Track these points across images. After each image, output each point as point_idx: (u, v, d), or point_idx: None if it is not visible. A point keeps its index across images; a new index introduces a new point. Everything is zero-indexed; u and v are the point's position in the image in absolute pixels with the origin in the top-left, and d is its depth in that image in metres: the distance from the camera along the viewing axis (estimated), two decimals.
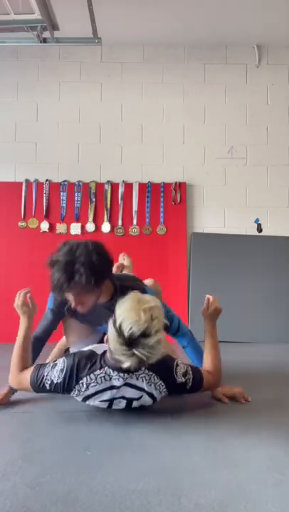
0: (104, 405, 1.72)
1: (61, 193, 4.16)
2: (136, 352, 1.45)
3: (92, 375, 1.66)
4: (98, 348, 1.75)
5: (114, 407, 1.73)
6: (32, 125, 4.25)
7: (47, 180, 4.17)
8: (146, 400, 1.72)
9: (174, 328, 2.02)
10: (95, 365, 1.68)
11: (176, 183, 4.17)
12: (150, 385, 1.68)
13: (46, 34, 3.17)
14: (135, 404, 1.73)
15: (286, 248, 4.17)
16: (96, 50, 4.26)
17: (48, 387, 1.71)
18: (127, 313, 1.49)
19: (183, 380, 1.75)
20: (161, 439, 1.57)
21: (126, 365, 1.50)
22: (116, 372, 1.63)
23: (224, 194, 4.23)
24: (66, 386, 1.69)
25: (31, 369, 1.80)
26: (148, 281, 2.39)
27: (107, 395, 1.68)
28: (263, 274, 4.09)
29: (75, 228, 4.11)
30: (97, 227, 4.12)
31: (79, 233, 4.10)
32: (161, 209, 4.16)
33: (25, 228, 4.11)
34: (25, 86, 4.27)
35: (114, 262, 1.88)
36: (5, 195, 4.14)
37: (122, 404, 1.72)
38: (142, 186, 4.19)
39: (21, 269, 4.05)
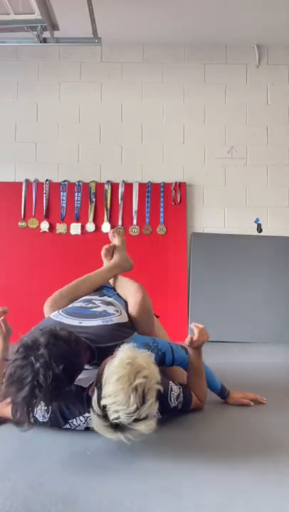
0: None
1: (61, 193, 4.16)
2: (121, 435, 1.32)
3: (81, 417, 1.58)
4: (84, 381, 1.60)
5: None
6: (32, 125, 4.25)
7: (47, 180, 4.17)
8: None
9: (168, 363, 1.79)
10: (83, 407, 1.54)
11: (176, 183, 4.17)
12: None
13: (46, 34, 3.17)
14: None
15: (286, 248, 4.17)
16: (96, 50, 4.25)
17: (32, 423, 1.45)
18: (115, 393, 1.29)
19: (175, 403, 1.71)
20: (161, 439, 1.56)
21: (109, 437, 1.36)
22: None
23: (224, 194, 4.23)
24: (54, 425, 1.61)
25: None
26: (131, 287, 2.12)
27: None
28: (263, 274, 4.08)
29: (75, 228, 4.11)
30: (97, 227, 4.12)
31: (79, 233, 4.10)
32: (161, 209, 4.16)
33: (25, 228, 4.11)
34: (25, 86, 4.26)
35: (80, 348, 1.49)
36: (5, 195, 4.14)
37: None
38: (142, 186, 4.19)
39: (21, 269, 4.05)
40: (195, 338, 1.79)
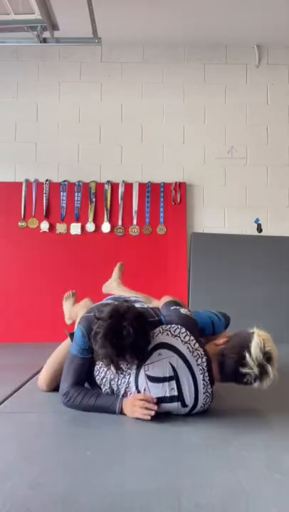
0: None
1: (61, 193, 4.16)
2: (267, 365, 1.65)
3: (195, 343, 1.75)
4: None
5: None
6: (32, 125, 4.25)
7: (47, 180, 4.17)
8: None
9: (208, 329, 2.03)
10: (199, 342, 1.79)
11: (176, 183, 4.17)
12: (204, 397, 1.72)
13: (46, 34, 3.17)
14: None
15: (286, 248, 4.17)
16: (96, 50, 4.25)
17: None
18: (268, 338, 1.73)
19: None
20: (161, 439, 1.56)
21: (247, 370, 1.65)
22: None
23: (224, 194, 4.23)
24: (178, 320, 1.83)
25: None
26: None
27: (174, 361, 1.71)
28: (263, 274, 4.08)
29: (75, 228, 4.11)
30: (97, 227, 4.12)
31: (79, 233, 4.11)
32: (161, 209, 4.16)
33: (25, 228, 4.11)
34: (25, 86, 4.26)
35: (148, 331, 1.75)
36: (5, 195, 4.14)
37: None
38: (142, 186, 4.19)
39: (21, 269, 4.05)
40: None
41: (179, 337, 1.74)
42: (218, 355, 1.74)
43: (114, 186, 4.19)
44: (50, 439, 1.58)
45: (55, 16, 2.97)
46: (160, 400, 1.69)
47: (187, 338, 1.74)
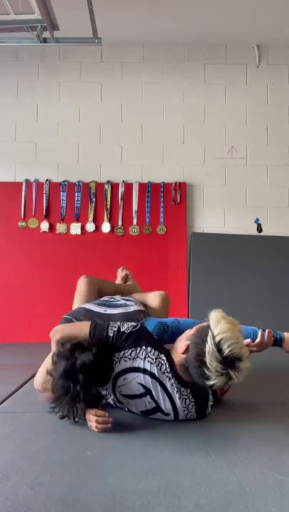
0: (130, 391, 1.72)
1: (61, 193, 4.16)
2: (230, 372, 1.50)
3: (154, 352, 1.69)
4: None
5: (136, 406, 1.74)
6: (32, 125, 4.25)
7: (47, 180, 4.17)
8: (166, 410, 1.70)
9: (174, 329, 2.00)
10: (158, 350, 1.72)
11: (176, 183, 4.17)
12: (184, 410, 1.69)
13: (46, 34, 3.17)
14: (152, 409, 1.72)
15: (286, 248, 4.17)
16: (96, 50, 4.25)
17: (110, 334, 1.72)
18: (227, 333, 1.52)
19: (209, 411, 1.79)
20: (161, 439, 1.56)
21: (212, 382, 1.52)
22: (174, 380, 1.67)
23: (224, 194, 4.23)
24: (126, 342, 1.71)
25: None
26: (153, 296, 2.48)
27: (141, 380, 1.68)
28: (263, 274, 4.08)
29: (75, 228, 4.11)
30: (97, 227, 4.12)
31: (79, 233, 4.10)
32: (161, 209, 4.16)
33: (25, 228, 4.11)
34: (25, 86, 4.26)
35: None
36: (5, 195, 4.14)
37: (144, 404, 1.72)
38: (142, 186, 4.19)
39: (21, 269, 4.05)
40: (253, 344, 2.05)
41: (138, 356, 1.70)
42: (182, 365, 1.67)
43: (114, 186, 4.18)
44: (50, 439, 1.58)
45: (55, 16, 2.97)
46: (144, 413, 1.73)
47: (145, 353, 1.70)
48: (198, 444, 1.52)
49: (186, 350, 1.62)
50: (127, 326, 1.76)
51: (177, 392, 1.67)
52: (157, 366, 1.68)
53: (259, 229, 4.23)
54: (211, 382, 1.52)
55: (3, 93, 4.26)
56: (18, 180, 4.19)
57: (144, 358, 1.69)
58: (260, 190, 4.24)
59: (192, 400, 1.70)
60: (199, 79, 4.30)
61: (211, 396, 1.77)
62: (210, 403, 1.77)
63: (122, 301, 2.24)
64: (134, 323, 1.81)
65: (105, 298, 2.32)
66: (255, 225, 4.23)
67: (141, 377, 1.68)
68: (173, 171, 4.22)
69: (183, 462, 1.38)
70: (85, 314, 2.04)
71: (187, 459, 1.40)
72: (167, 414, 1.70)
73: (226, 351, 1.49)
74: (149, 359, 1.69)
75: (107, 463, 1.37)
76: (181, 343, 1.68)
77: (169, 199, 4.17)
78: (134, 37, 4.14)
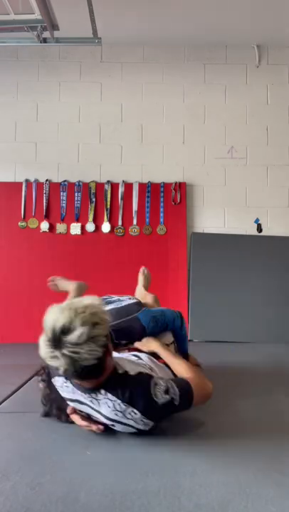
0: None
1: (61, 193, 4.16)
2: (62, 351, 1.33)
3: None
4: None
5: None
6: (32, 125, 4.25)
7: (47, 180, 4.17)
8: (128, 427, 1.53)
9: (176, 327, 2.22)
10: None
11: (176, 183, 4.17)
12: (116, 413, 1.48)
13: (46, 34, 3.17)
14: (118, 428, 1.55)
15: (286, 248, 4.17)
16: (96, 50, 4.26)
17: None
18: (49, 315, 1.42)
19: (168, 397, 1.49)
20: (161, 439, 1.56)
21: (60, 370, 1.37)
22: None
23: (224, 194, 4.23)
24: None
25: None
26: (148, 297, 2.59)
27: (83, 408, 1.59)
28: (263, 274, 4.08)
29: (75, 228, 4.11)
30: (97, 227, 4.12)
31: (79, 233, 4.10)
32: (161, 209, 4.16)
33: (25, 228, 4.11)
34: (25, 86, 4.26)
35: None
36: (5, 195, 4.14)
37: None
38: (142, 186, 4.19)
39: (21, 269, 4.05)
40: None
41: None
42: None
43: (114, 186, 4.18)
44: (50, 439, 1.58)
45: (55, 16, 2.97)
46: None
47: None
48: (198, 444, 1.52)
49: None
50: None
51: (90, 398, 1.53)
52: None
53: (259, 229, 4.23)
54: (60, 371, 1.39)
55: (3, 93, 4.26)
56: (18, 180, 4.19)
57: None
58: (260, 190, 4.24)
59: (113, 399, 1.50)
60: (199, 79, 4.30)
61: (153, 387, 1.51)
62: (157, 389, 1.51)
63: (116, 297, 2.30)
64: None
65: (103, 296, 2.37)
66: (255, 225, 4.23)
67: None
68: (173, 171, 4.22)
69: (183, 462, 1.38)
70: None
71: (187, 459, 1.40)
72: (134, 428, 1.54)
73: (49, 332, 1.38)
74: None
75: (107, 463, 1.37)
76: None
77: (169, 199, 4.17)
78: (134, 37, 4.14)
